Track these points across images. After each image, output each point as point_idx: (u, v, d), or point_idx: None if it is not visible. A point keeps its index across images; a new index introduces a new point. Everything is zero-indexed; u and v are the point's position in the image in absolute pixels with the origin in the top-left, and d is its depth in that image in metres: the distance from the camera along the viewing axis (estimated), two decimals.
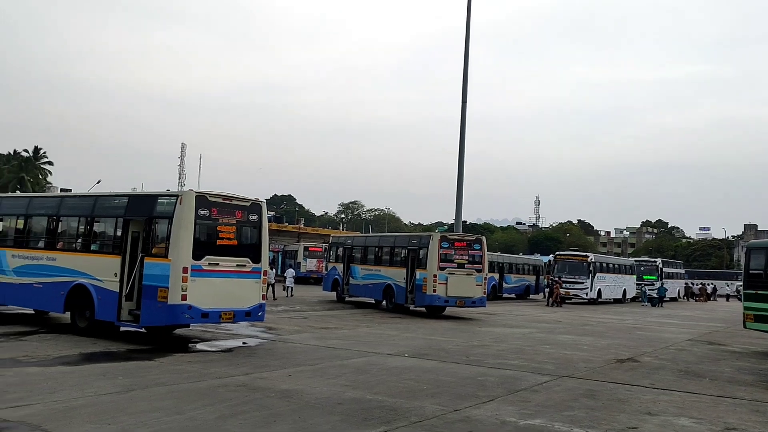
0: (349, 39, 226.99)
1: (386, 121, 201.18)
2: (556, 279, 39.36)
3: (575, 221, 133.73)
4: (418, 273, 24.66)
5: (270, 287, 29.47)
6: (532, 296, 46.47)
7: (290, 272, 34.22)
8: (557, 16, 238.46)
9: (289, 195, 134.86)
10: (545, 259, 52.99)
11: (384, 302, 27.27)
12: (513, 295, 44.27)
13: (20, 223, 16.63)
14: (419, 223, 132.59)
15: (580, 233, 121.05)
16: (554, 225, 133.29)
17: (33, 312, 17.51)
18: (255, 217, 14.71)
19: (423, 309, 25.95)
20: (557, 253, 46.50)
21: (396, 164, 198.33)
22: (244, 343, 15.33)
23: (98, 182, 19.64)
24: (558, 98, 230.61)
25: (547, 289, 42.33)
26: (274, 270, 32.49)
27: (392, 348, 15.31)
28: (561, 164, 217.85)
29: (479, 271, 25.17)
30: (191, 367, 11.51)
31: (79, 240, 15.34)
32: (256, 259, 14.48)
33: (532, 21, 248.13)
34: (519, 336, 19.72)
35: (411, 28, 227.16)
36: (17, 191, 70.15)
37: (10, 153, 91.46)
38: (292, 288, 33.11)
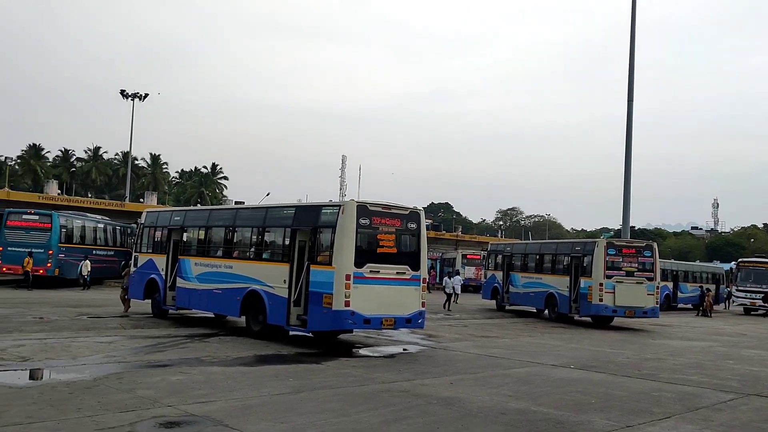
0: (507, 44, 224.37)
1: (546, 126, 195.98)
2: (708, 288, 36.81)
3: (760, 225, 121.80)
4: (583, 281, 23.85)
5: (452, 297, 29.63)
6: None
7: (457, 279, 33.13)
8: (731, 3, 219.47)
9: (446, 203, 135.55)
10: (726, 266, 48.74)
11: (546, 311, 26.52)
12: (690, 305, 41.15)
13: (201, 234, 18.13)
14: (582, 229, 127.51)
15: (767, 238, 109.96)
16: (735, 230, 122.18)
17: (213, 316, 18.96)
18: (413, 225, 14.89)
19: (588, 319, 24.89)
20: (740, 260, 42.63)
21: (556, 168, 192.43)
22: (404, 349, 15.54)
23: (268, 194, 20.92)
24: (737, 92, 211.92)
25: (726, 300, 39.02)
26: (455, 278, 32.19)
27: (556, 359, 14.78)
28: (742, 164, 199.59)
29: (650, 279, 23.76)
30: (356, 372, 11.84)
31: (252, 249, 16.41)
32: (415, 266, 14.64)
33: (704, 10, 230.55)
34: (698, 350, 18.25)
35: (571, 28, 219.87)
36: (198, 204, 76.76)
37: (192, 170, 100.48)
38: (458, 295, 32.57)
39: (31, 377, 10.63)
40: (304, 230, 14.77)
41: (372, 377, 11.34)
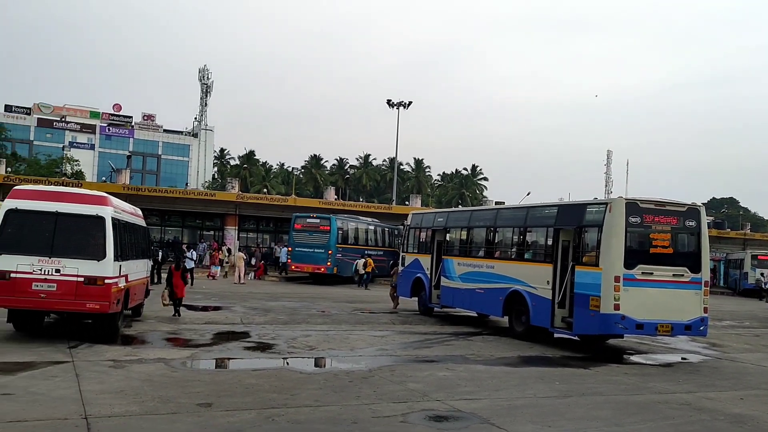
0: None
1: None
2: None
3: None
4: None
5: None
6: None
7: None
8: None
9: (731, 198, 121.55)
10: None
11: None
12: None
13: (463, 234, 18.52)
14: None
15: None
16: None
17: (476, 315, 19.24)
18: (692, 223, 13.54)
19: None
20: None
21: None
22: (683, 358, 14.21)
23: (528, 194, 20.59)
24: None
25: None
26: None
27: None
28: None
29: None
30: (628, 379, 11.10)
31: (514, 249, 16.31)
32: (695, 268, 13.29)
33: None
34: None
35: None
36: (458, 206, 78.91)
37: (452, 172, 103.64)
38: None
39: (316, 365, 11.77)
40: (567, 230, 14.28)
41: (646, 386, 10.53)
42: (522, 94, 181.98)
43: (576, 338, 14.85)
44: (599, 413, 8.50)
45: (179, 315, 16.30)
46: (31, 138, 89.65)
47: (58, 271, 11.31)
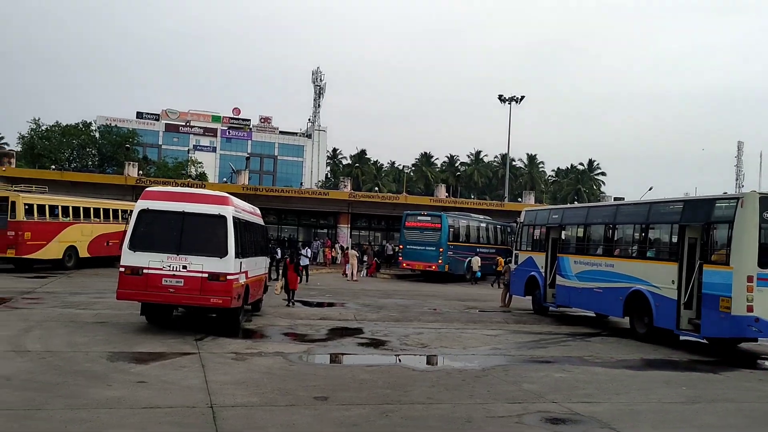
0: None
1: None
2: None
3: None
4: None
5: None
6: None
7: None
8: None
9: None
10: None
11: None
12: None
13: (580, 232, 17.89)
14: None
15: None
16: None
17: (594, 315, 18.55)
18: None
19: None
20: None
21: None
22: None
23: (650, 189, 19.57)
24: None
25: None
26: None
27: None
28: None
29: None
30: (763, 386, 10.34)
31: (635, 247, 15.56)
32: None
33: None
34: None
35: None
36: (574, 202, 76.49)
37: (568, 167, 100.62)
38: None
39: (428, 362, 11.77)
40: (694, 226, 13.45)
41: None
42: (640, 85, 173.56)
43: (704, 341, 13.96)
44: (731, 421, 7.96)
45: (293, 305, 17.89)
46: (160, 142, 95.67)
47: (185, 267, 11.98)
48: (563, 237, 18.55)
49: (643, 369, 11.58)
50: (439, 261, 31.07)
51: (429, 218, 32.18)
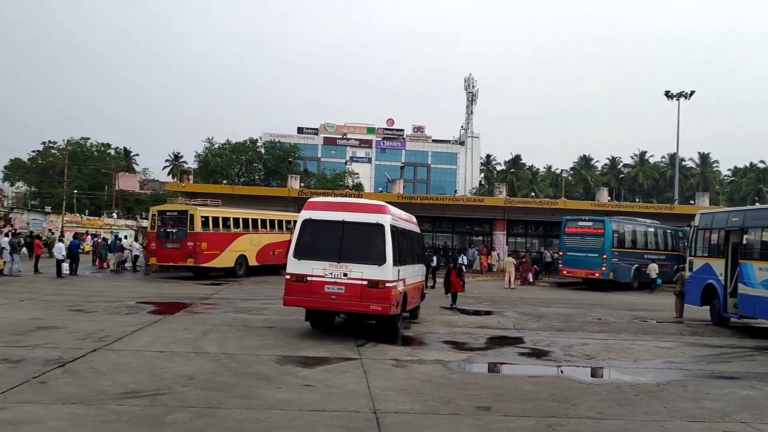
0: None
1: None
2: None
3: None
4: None
5: None
6: None
7: None
8: None
9: None
10: None
11: None
12: None
13: (766, 236, 16.17)
14: None
15: None
16: None
17: None
18: None
19: None
20: None
21: None
22: None
23: None
24: None
25: None
26: None
27: None
28: None
29: None
30: None
31: None
32: None
33: None
34: None
35: None
36: (755, 203, 69.72)
37: (746, 166, 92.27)
38: None
39: (595, 375, 11.13)
40: None
41: None
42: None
43: None
44: None
45: (456, 305, 19.46)
46: (319, 155, 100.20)
47: (345, 275, 12.30)
48: (745, 241, 16.85)
49: None
50: (603, 268, 29.52)
51: (591, 223, 30.72)
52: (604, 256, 29.49)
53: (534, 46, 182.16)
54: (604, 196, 43.52)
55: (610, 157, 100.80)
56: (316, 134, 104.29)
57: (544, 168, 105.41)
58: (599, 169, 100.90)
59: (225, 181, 52.70)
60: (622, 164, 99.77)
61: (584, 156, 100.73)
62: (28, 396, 7.69)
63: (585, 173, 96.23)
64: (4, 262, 24.89)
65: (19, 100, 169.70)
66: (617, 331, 15.87)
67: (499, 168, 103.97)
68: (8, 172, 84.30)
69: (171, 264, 27.26)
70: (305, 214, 13.08)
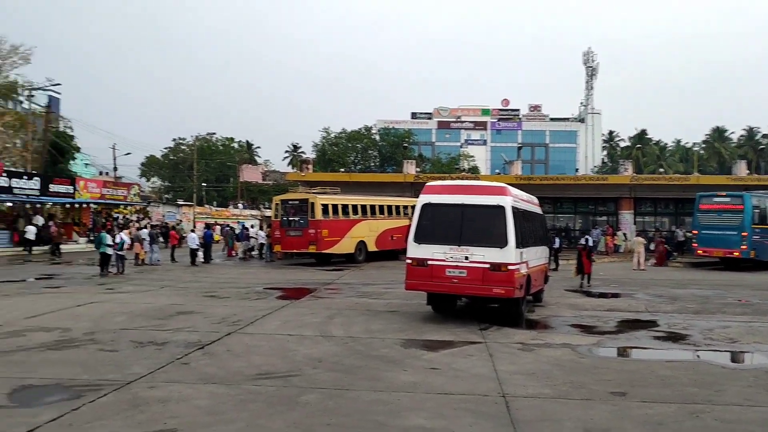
0: None
1: None
2: None
3: None
4: None
5: None
6: None
7: None
8: None
9: None
10: None
11: None
12: None
13: None
14: None
15: None
16: None
17: None
18: None
19: None
20: None
21: None
22: None
23: None
24: None
25: None
26: None
27: None
28: None
29: None
30: None
31: None
32: None
33: None
34: None
35: None
36: None
37: None
38: None
39: (740, 359, 10.35)
40: None
41: None
42: None
43: None
44: None
45: (589, 285, 19.67)
46: (433, 139, 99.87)
47: (466, 258, 12.16)
48: None
49: None
50: (743, 246, 27.41)
51: (728, 199, 28.61)
52: (744, 234, 27.40)
53: (654, 13, 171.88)
54: (742, 169, 40.46)
55: (747, 128, 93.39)
56: (430, 118, 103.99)
57: (673, 142, 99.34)
58: (735, 141, 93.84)
59: (342, 169, 53.82)
60: (761, 134, 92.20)
61: (717, 128, 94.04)
62: (174, 376, 8.19)
63: (719, 146, 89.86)
64: (145, 252, 26.78)
65: (152, 100, 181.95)
66: (763, 313, 14.71)
67: (623, 144, 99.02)
68: (145, 169, 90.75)
69: (294, 251, 28.20)
70: (424, 198, 13.04)
